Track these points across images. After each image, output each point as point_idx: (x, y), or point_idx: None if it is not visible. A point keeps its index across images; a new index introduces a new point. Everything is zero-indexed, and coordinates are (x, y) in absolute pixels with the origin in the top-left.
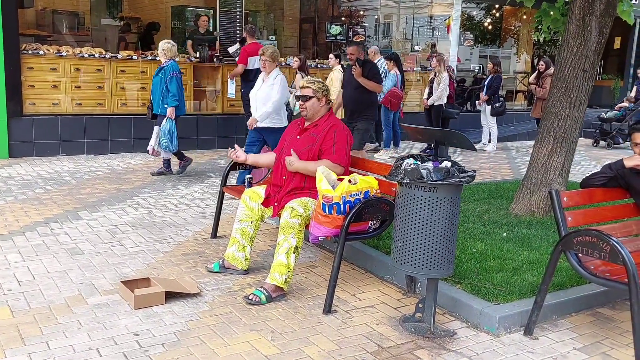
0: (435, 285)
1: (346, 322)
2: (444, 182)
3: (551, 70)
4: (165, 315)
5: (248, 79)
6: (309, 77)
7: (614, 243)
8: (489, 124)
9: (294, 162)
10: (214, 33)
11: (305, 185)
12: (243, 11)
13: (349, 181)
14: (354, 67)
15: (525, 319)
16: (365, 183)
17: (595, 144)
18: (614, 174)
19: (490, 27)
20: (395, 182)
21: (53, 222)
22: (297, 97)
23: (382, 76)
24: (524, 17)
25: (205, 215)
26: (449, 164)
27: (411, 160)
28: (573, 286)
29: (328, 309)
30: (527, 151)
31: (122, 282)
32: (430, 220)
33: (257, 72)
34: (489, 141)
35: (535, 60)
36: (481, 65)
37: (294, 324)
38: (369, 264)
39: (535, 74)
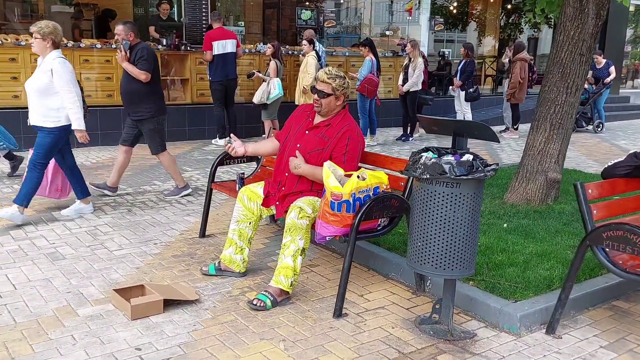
0: (453, 285)
1: (360, 327)
2: (468, 177)
3: (522, 54)
4: (166, 325)
5: (214, 66)
6: (330, 69)
7: None
8: (463, 109)
9: (300, 165)
10: (181, 20)
11: (313, 187)
12: None
13: (358, 177)
14: (118, 50)
15: (545, 317)
16: (374, 178)
17: None
18: (639, 162)
19: (454, 11)
20: (408, 177)
21: (27, 225)
22: (313, 90)
23: (321, 63)
24: (491, 0)
25: (189, 213)
26: (470, 157)
27: (430, 154)
28: (586, 279)
29: (339, 313)
30: (502, 136)
31: (114, 290)
32: (453, 218)
33: (224, 57)
34: None
35: (498, 45)
36: (446, 50)
37: (305, 330)
38: (371, 262)
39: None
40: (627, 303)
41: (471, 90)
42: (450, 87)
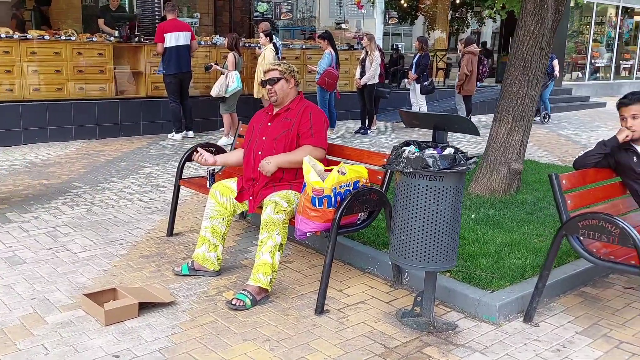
0: (434, 278)
1: (343, 323)
2: (452, 170)
3: (471, 47)
4: (143, 330)
5: (167, 58)
6: (271, 60)
7: (624, 226)
8: (419, 102)
9: (270, 160)
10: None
11: (284, 175)
12: None
13: (338, 171)
14: None
15: (521, 305)
16: (354, 173)
17: None
18: (608, 150)
19: (405, 5)
20: (386, 171)
21: None
22: (263, 83)
23: (278, 56)
24: None
25: (153, 211)
26: (452, 150)
27: (412, 148)
28: (555, 267)
29: (321, 310)
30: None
31: (85, 295)
32: (436, 211)
33: (177, 49)
34: None
35: (452, 37)
36: (399, 44)
37: (288, 329)
38: (346, 256)
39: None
40: (594, 289)
41: (426, 83)
42: (406, 80)
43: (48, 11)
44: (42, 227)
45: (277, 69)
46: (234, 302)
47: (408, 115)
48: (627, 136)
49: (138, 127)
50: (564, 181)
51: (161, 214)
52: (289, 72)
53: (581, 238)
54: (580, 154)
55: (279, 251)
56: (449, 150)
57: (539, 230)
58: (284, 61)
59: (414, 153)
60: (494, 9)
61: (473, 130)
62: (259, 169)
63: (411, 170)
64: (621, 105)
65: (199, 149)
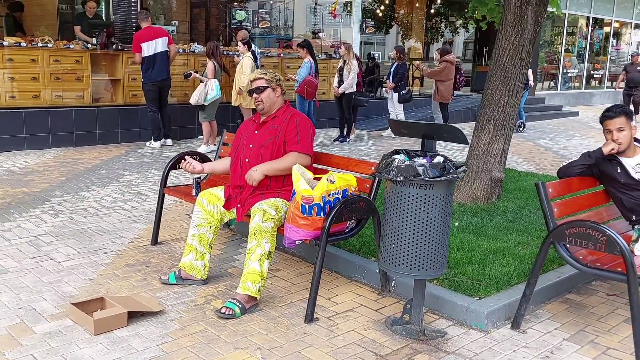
0: (423, 286)
1: (333, 331)
2: (441, 179)
3: (448, 57)
4: (132, 339)
5: (145, 67)
6: (258, 69)
7: (610, 233)
8: (396, 111)
9: (256, 168)
10: (111, 18)
11: (271, 183)
12: None
13: (327, 180)
14: None
15: (508, 312)
16: (343, 181)
17: None
18: (592, 161)
19: (380, 14)
20: (374, 179)
21: None
22: (250, 92)
23: (257, 64)
24: (417, 4)
25: (135, 219)
26: (441, 158)
27: (402, 156)
28: (539, 274)
29: (310, 318)
30: None
31: (73, 304)
32: (426, 219)
33: (155, 57)
34: None
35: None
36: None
37: (279, 337)
38: (333, 264)
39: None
40: (579, 296)
41: (404, 92)
42: (384, 88)
43: (21, 17)
44: (24, 235)
45: (263, 78)
46: (223, 310)
47: (397, 124)
48: (612, 149)
49: (116, 134)
50: (550, 189)
51: (144, 223)
52: (275, 80)
53: (568, 245)
54: (564, 164)
55: (267, 259)
56: (438, 159)
57: (522, 238)
58: (270, 70)
59: (404, 162)
60: (471, 19)
61: (462, 139)
62: (245, 178)
63: (401, 178)
64: (606, 118)
65: (186, 157)
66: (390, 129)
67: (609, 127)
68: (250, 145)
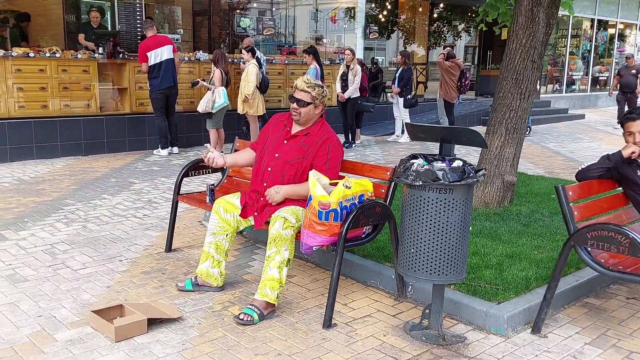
0: (442, 291)
1: (352, 336)
2: (461, 183)
3: (455, 60)
4: (153, 346)
5: (152, 75)
6: (308, 78)
7: (634, 236)
8: (402, 115)
9: (279, 190)
10: (117, 28)
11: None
12: (143, 3)
13: (344, 185)
14: None
15: (528, 317)
16: (359, 186)
17: None
18: (612, 164)
19: (383, 19)
20: (389, 184)
21: None
22: (291, 99)
23: (262, 71)
24: (420, 9)
25: (148, 227)
26: (460, 162)
27: (421, 161)
28: None
29: (329, 323)
30: None
31: (93, 312)
32: (446, 223)
33: (162, 65)
34: (402, 132)
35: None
36: (379, 58)
37: (298, 343)
38: (348, 270)
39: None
40: (598, 300)
41: (409, 96)
42: (389, 94)
43: (27, 28)
44: (39, 244)
45: (310, 94)
46: (241, 316)
47: (415, 128)
48: (633, 152)
49: (124, 143)
50: (570, 192)
51: (157, 230)
52: (320, 98)
53: (589, 249)
54: (583, 167)
55: (286, 267)
56: (457, 163)
57: (537, 242)
58: (319, 84)
59: (423, 166)
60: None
61: (481, 143)
62: (265, 194)
63: (420, 183)
64: (628, 120)
65: (208, 146)
66: (407, 133)
67: (631, 129)
68: (276, 155)
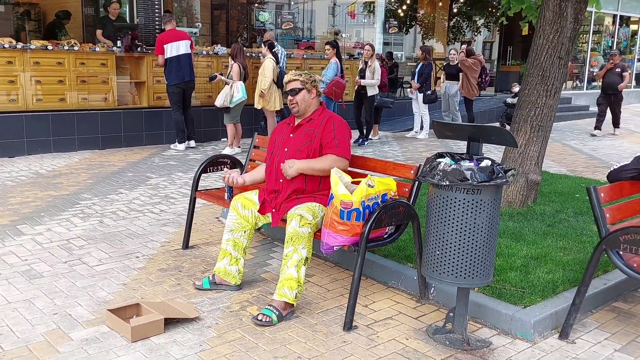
0: (467, 294)
1: (373, 339)
2: (491, 183)
3: (476, 56)
4: (170, 346)
5: (168, 68)
6: (293, 70)
7: None
8: (421, 111)
9: (292, 164)
10: (136, 21)
11: (307, 187)
12: None
13: (367, 184)
14: None
15: (555, 322)
16: (383, 185)
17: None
18: None
19: (402, 14)
20: (413, 183)
21: None
22: (285, 93)
23: (280, 66)
24: (440, 3)
25: (165, 223)
26: (489, 162)
27: (448, 160)
28: None
29: (349, 326)
30: None
31: (109, 310)
32: (474, 225)
33: (179, 59)
34: (421, 128)
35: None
36: (398, 53)
37: (318, 345)
38: (368, 270)
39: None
40: (626, 304)
41: (429, 92)
42: (409, 89)
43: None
44: (55, 239)
45: (298, 80)
46: (260, 317)
47: (441, 127)
48: None
49: (140, 137)
50: (602, 194)
51: (174, 226)
52: (310, 82)
53: (621, 252)
54: (614, 167)
55: (304, 265)
56: (486, 162)
57: (562, 243)
58: (306, 71)
59: (450, 165)
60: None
61: (510, 142)
62: (282, 167)
63: (447, 183)
64: None
65: (225, 170)
66: (433, 131)
67: None
68: (286, 149)
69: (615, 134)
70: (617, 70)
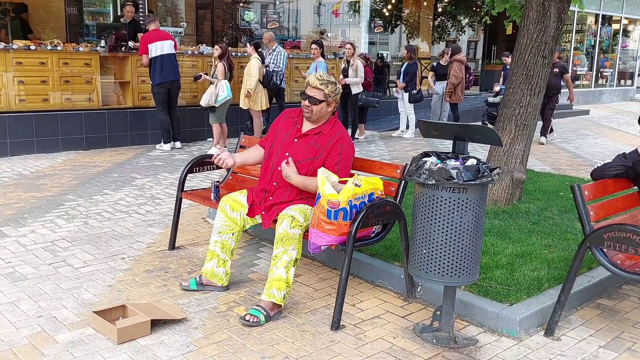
0: (454, 292)
1: (361, 339)
2: (476, 182)
3: (458, 56)
4: (157, 348)
5: (154, 67)
6: (321, 74)
7: None
8: (407, 111)
9: (291, 176)
10: (121, 20)
11: (302, 195)
12: None
13: (353, 183)
14: None
15: (540, 319)
16: (369, 184)
17: None
18: (629, 163)
19: (387, 13)
20: (399, 182)
21: None
22: (303, 96)
23: (279, 64)
24: (424, 3)
25: (150, 224)
26: (474, 161)
27: (434, 159)
28: None
29: (337, 325)
30: None
31: (94, 312)
32: (459, 224)
33: (163, 59)
34: (407, 128)
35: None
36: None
37: (306, 345)
38: (355, 269)
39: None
40: (611, 301)
41: (414, 92)
42: (394, 88)
43: (28, 18)
44: (39, 241)
45: (323, 91)
46: (247, 318)
47: (427, 126)
48: None
49: (125, 137)
50: (586, 192)
51: (160, 227)
52: (333, 95)
53: (605, 250)
54: (598, 165)
55: (293, 267)
56: (471, 161)
57: (547, 240)
58: (332, 81)
59: (436, 164)
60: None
61: (496, 141)
62: (281, 167)
63: (433, 182)
64: None
65: (218, 147)
66: (419, 131)
67: None
68: (287, 154)
69: (542, 142)
70: (555, 70)
